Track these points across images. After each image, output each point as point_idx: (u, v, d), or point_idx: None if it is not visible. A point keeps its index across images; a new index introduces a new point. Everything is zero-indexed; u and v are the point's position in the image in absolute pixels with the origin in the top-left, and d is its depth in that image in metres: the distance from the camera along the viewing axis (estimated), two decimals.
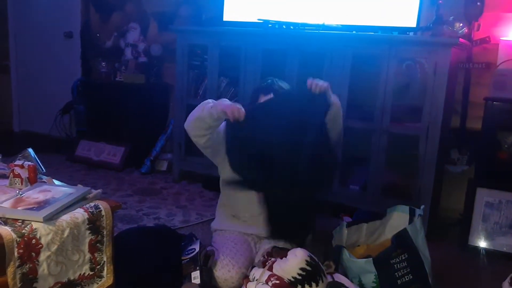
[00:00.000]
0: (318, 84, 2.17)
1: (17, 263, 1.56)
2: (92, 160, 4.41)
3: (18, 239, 1.56)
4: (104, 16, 4.89)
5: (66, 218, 1.71)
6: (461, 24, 2.87)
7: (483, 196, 2.84)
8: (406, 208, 2.43)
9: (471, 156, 3.13)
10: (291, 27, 3.23)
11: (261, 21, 3.32)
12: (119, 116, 4.46)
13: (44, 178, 2.12)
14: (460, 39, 2.81)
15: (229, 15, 3.62)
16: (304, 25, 3.22)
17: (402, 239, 2.14)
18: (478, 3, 3.04)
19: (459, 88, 3.17)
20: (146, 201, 3.47)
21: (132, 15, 4.70)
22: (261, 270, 1.99)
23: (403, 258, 2.12)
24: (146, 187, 3.83)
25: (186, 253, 2.18)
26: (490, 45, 3.07)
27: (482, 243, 2.83)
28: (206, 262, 2.13)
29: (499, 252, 2.78)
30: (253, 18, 3.43)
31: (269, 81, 2.48)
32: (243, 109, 2.12)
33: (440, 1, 2.95)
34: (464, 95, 3.15)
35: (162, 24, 4.53)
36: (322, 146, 2.18)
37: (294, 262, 1.90)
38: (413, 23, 3.01)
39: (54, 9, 5.20)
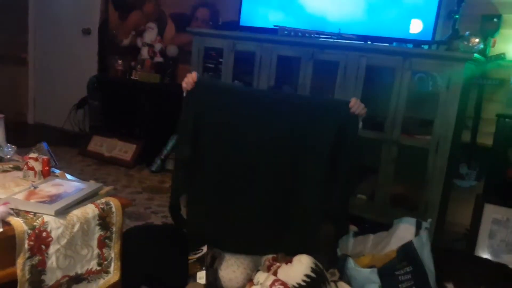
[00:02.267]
0: (361, 105, 2.10)
1: (27, 255, 1.59)
2: (104, 155, 4.46)
3: (29, 231, 1.59)
4: (122, 14, 4.96)
5: (77, 213, 1.74)
6: (477, 40, 2.87)
7: (491, 212, 2.83)
8: (413, 220, 2.43)
9: (480, 171, 3.13)
10: (306, 35, 3.25)
11: (277, 28, 3.35)
12: (132, 114, 4.51)
13: (57, 172, 2.16)
14: (475, 54, 2.81)
15: (245, 20, 3.66)
16: (319, 33, 3.24)
17: (407, 251, 2.15)
18: (495, 20, 3.04)
19: (471, 103, 3.17)
20: (155, 199, 3.50)
21: (150, 15, 4.75)
22: (265, 274, 2.00)
23: (408, 270, 2.13)
24: (155, 185, 3.87)
25: (193, 253, 2.21)
26: (505, 62, 3.06)
27: None
28: (212, 263, 2.15)
29: None
30: (269, 24, 3.46)
31: (278, 86, 2.48)
32: (193, 74, 2.13)
33: (457, 16, 2.95)
34: (476, 110, 3.14)
35: (179, 26, 4.58)
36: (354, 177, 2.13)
37: (300, 268, 1.91)
38: (428, 36, 3.02)
39: (74, 5, 5.28)
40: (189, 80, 2.16)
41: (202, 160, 2.15)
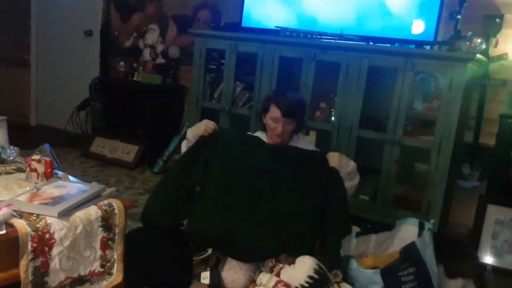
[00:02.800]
0: (335, 158, 2.26)
1: (30, 257, 1.59)
2: (106, 157, 4.47)
3: (32, 233, 1.59)
4: (124, 16, 4.97)
5: (79, 214, 1.75)
6: (479, 40, 2.86)
7: (494, 213, 2.83)
8: (416, 221, 2.42)
9: (482, 172, 3.12)
10: (308, 36, 3.25)
11: (279, 29, 3.35)
12: (134, 115, 4.53)
13: (60, 173, 2.16)
14: (477, 55, 2.80)
15: (247, 21, 3.66)
16: (321, 34, 3.24)
17: (410, 252, 2.14)
18: (497, 20, 3.03)
19: (474, 103, 3.16)
20: None
21: (152, 17, 4.76)
22: (268, 275, 2.00)
23: (411, 271, 2.12)
24: None
25: (198, 254, 2.22)
26: (508, 62, 3.06)
27: (491, 261, 2.81)
28: (217, 264, 2.16)
29: (508, 270, 2.77)
30: (271, 26, 3.47)
31: (281, 91, 2.52)
32: (213, 123, 2.34)
33: (459, 16, 2.95)
34: (478, 111, 3.14)
35: (181, 27, 4.58)
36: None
37: (302, 269, 1.91)
38: (430, 37, 3.02)
39: (76, 7, 5.29)
40: (211, 128, 2.34)
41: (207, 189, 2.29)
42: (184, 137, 4.19)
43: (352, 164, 2.32)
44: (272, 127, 2.39)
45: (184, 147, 2.46)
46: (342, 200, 2.25)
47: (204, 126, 2.34)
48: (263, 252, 2.14)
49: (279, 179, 2.25)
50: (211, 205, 2.22)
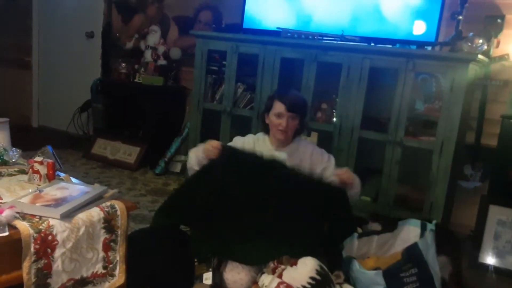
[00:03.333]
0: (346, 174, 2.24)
1: (32, 258, 1.59)
2: (108, 158, 4.47)
3: (35, 235, 1.59)
4: (126, 17, 4.97)
5: (82, 216, 1.74)
6: (480, 41, 2.86)
7: (496, 213, 2.83)
8: (418, 222, 2.42)
9: (484, 173, 3.12)
10: (310, 37, 3.25)
11: (280, 30, 3.36)
12: (136, 117, 4.53)
13: (62, 175, 2.16)
14: (478, 55, 2.80)
15: (248, 22, 3.67)
16: (323, 35, 3.24)
17: (412, 253, 2.14)
18: (499, 20, 3.03)
19: (475, 104, 3.16)
20: (159, 201, 3.49)
21: (153, 18, 4.76)
22: (270, 276, 2.00)
23: (413, 272, 2.12)
24: (159, 187, 3.88)
25: None
26: (509, 62, 3.06)
27: (493, 261, 2.81)
28: (219, 265, 2.16)
29: (510, 271, 2.76)
30: (272, 27, 3.47)
31: (284, 89, 2.53)
32: (216, 144, 2.27)
33: (460, 17, 2.95)
34: (480, 111, 3.14)
35: (182, 28, 4.59)
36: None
37: (304, 270, 1.92)
38: (431, 38, 3.02)
39: (78, 8, 5.30)
40: (215, 148, 2.26)
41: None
42: (185, 138, 4.26)
43: (357, 182, 2.31)
44: (276, 123, 2.39)
45: (193, 162, 2.39)
46: (346, 212, 2.24)
47: (210, 148, 2.27)
48: (266, 257, 2.14)
49: (285, 198, 2.21)
50: (225, 230, 2.22)
